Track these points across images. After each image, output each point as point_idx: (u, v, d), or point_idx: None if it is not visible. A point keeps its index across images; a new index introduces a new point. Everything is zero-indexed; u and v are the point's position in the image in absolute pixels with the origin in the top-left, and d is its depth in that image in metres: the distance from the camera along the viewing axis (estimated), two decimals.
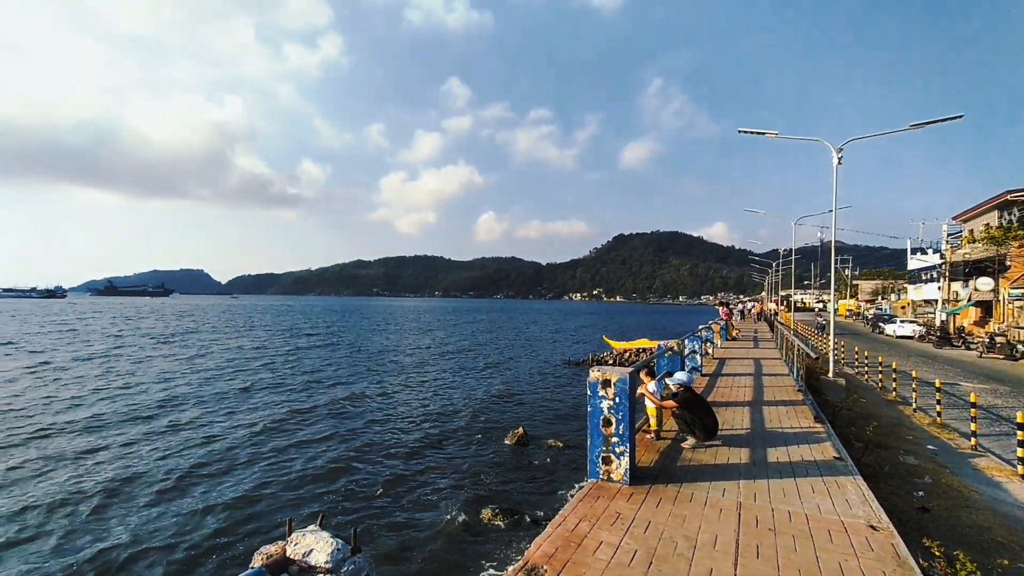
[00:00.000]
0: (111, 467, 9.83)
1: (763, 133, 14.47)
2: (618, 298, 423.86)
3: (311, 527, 2.10)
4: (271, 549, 2.02)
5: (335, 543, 1.98)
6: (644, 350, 26.70)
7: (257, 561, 1.97)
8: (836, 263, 15.40)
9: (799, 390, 10.07)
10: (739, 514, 4.43)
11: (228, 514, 7.90)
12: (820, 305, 78.70)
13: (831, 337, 14.84)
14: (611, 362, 25.35)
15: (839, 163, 13.69)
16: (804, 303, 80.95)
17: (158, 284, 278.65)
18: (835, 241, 15.33)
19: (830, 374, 13.86)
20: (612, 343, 30.19)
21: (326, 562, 1.92)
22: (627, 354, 26.88)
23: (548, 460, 10.87)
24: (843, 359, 20.14)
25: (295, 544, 2.01)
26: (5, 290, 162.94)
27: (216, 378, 19.99)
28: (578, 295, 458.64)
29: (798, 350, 11.45)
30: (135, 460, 10.27)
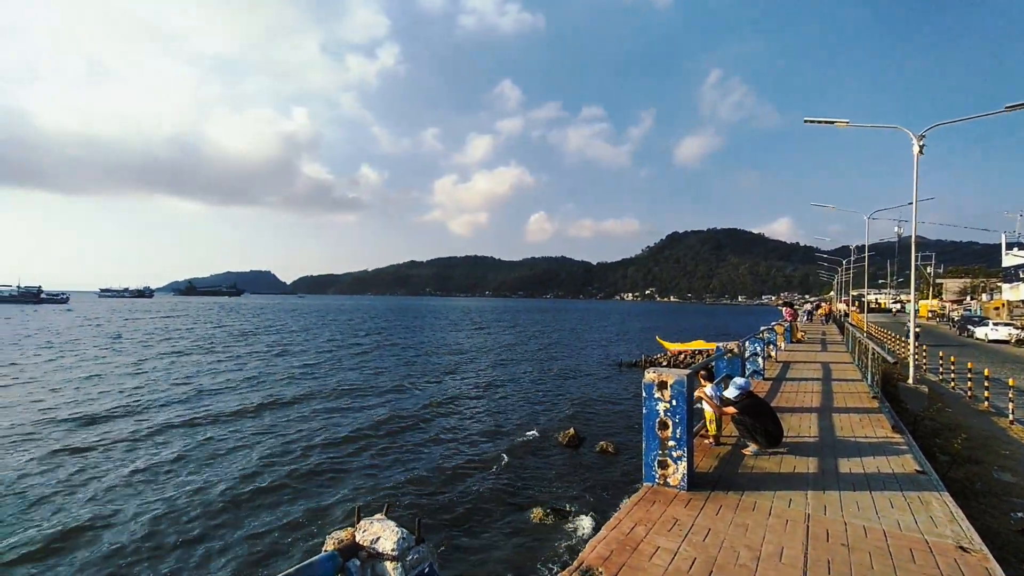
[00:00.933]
0: (201, 451, 10.74)
1: (833, 122, 13.58)
2: (672, 298, 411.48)
3: (377, 516, 2.21)
4: (341, 535, 2.14)
5: (400, 532, 2.07)
6: (700, 352, 25.76)
7: (329, 545, 2.09)
8: (916, 260, 14.17)
9: (874, 397, 9.37)
10: (807, 526, 4.19)
11: (303, 500, 8.42)
12: (897, 306, 72.72)
13: (911, 340, 13.69)
14: (665, 364, 24.67)
15: (920, 152, 12.62)
16: (879, 304, 75.07)
17: (231, 284, 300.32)
18: (915, 236, 14.12)
19: (910, 380, 12.79)
20: (666, 344, 29.36)
21: (392, 550, 2.01)
22: (682, 356, 26.04)
23: (599, 462, 10.74)
24: (925, 365, 18.52)
25: (363, 531, 2.11)
26: (103, 290, 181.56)
27: (294, 375, 21.27)
28: (630, 295, 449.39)
29: (873, 354, 10.65)
30: (223, 444, 11.18)
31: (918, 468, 5.60)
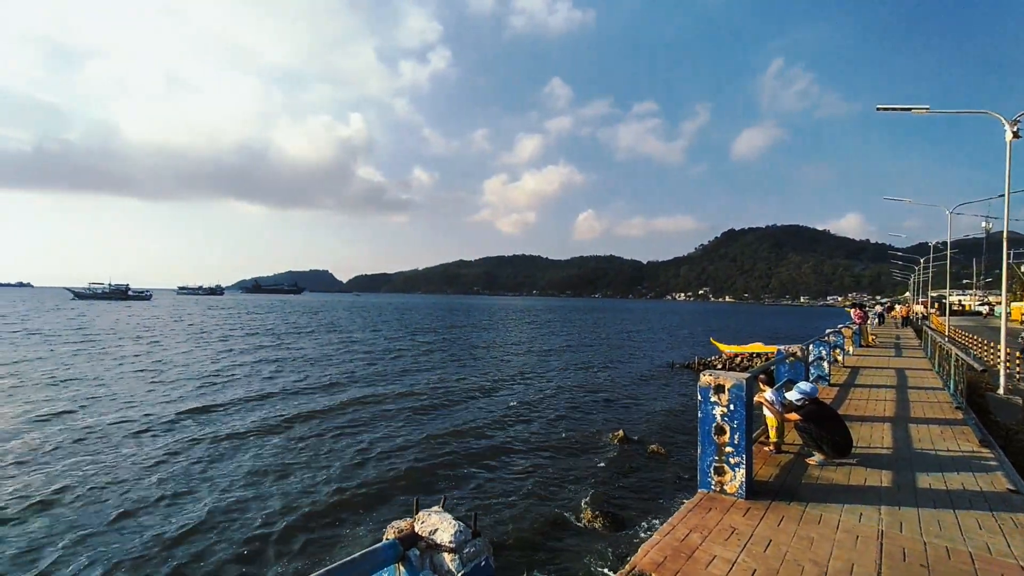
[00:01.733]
0: (273, 442, 11.47)
1: (909, 109, 12.53)
2: (727, 298, 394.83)
3: (435, 508, 2.28)
4: (401, 524, 2.22)
5: (457, 525, 2.12)
6: (758, 355, 24.59)
7: (390, 534, 2.18)
8: (1009, 258, 12.85)
9: (958, 407, 8.60)
10: (881, 543, 3.92)
11: (364, 490, 8.79)
12: (986, 308, 66.03)
13: (1002, 346, 12.42)
14: (719, 366, 23.70)
15: (1014, 137, 11.43)
16: (963, 306, 68.50)
17: (292, 283, 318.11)
18: (1007, 231, 12.81)
19: (1001, 391, 11.63)
20: (720, 346, 28.21)
21: (450, 541, 2.07)
22: (738, 358, 24.94)
23: (649, 464, 10.49)
24: (1019, 373, 16.74)
25: (422, 522, 2.19)
26: (181, 288, 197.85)
27: (355, 370, 22.25)
28: (682, 295, 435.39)
29: (957, 360, 9.76)
30: (295, 436, 11.89)
31: (1011, 487, 5.10)
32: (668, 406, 16.18)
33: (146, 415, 13.24)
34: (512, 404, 15.95)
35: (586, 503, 8.25)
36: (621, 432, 12.25)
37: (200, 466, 9.70)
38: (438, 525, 2.11)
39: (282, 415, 13.58)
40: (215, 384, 17.66)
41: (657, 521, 7.40)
